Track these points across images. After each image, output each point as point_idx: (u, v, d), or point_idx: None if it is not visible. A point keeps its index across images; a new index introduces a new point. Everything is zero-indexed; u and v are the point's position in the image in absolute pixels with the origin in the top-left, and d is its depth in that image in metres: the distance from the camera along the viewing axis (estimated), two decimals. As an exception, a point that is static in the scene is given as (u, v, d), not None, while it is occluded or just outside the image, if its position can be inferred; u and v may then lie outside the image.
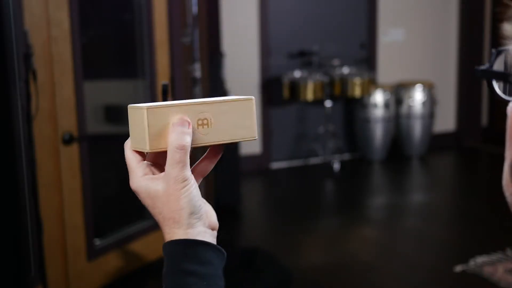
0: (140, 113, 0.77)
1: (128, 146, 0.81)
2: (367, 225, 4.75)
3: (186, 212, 0.76)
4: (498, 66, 0.66)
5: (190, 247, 0.76)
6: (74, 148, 3.27)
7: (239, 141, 0.83)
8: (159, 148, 0.77)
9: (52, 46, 3.10)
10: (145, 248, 3.78)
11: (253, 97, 0.84)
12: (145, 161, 0.80)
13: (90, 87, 3.43)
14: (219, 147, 0.83)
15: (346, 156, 6.51)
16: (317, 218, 4.89)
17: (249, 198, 5.24)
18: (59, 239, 3.25)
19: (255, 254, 3.69)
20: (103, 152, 3.80)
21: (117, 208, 3.91)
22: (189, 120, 0.78)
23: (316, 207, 5.19)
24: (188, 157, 0.76)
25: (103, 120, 3.77)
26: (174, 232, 0.77)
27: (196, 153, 0.81)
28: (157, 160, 0.81)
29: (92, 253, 3.44)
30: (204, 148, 0.82)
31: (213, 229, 0.80)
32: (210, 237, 0.79)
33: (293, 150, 6.40)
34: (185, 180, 0.76)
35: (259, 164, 6.16)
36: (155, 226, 3.85)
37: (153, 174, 0.80)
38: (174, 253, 0.76)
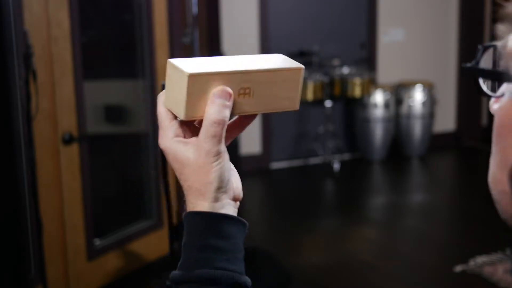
0: (181, 77, 0.71)
1: (162, 101, 0.77)
2: (367, 225, 4.75)
3: (214, 187, 0.74)
4: (486, 62, 0.66)
5: (214, 222, 0.74)
6: (74, 148, 3.27)
7: (280, 111, 0.77)
8: (195, 116, 0.73)
9: (52, 46, 3.10)
10: (145, 248, 3.78)
11: (302, 66, 0.77)
12: (177, 120, 0.77)
13: (90, 87, 3.43)
14: (254, 114, 0.78)
15: (346, 156, 6.51)
16: (317, 218, 4.89)
17: (249, 198, 5.24)
18: (59, 239, 3.25)
19: (254, 253, 3.70)
20: (103, 152, 3.80)
21: (117, 208, 3.91)
22: (231, 92, 0.72)
23: (316, 207, 5.19)
24: (225, 131, 0.73)
25: (103, 120, 3.77)
26: (198, 204, 0.75)
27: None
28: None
29: (92, 253, 3.44)
30: None
31: (237, 200, 0.79)
32: (233, 209, 0.78)
33: (293, 150, 6.40)
34: (217, 154, 0.73)
35: (259, 164, 6.17)
36: (155, 226, 3.85)
37: (185, 136, 0.76)
38: (197, 225, 0.75)
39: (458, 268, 3.74)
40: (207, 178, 0.74)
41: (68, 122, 3.22)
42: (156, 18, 3.71)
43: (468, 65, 0.66)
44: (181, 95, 0.71)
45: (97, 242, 3.50)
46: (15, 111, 2.66)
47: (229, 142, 0.80)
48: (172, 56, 3.78)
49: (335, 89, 6.10)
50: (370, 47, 6.54)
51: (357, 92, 6.02)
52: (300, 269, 3.82)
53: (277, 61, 0.77)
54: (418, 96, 6.35)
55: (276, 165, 6.31)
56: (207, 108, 0.72)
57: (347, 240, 4.42)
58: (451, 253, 4.11)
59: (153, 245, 3.80)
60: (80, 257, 3.38)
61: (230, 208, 0.77)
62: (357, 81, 6.00)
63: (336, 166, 6.06)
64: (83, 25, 3.33)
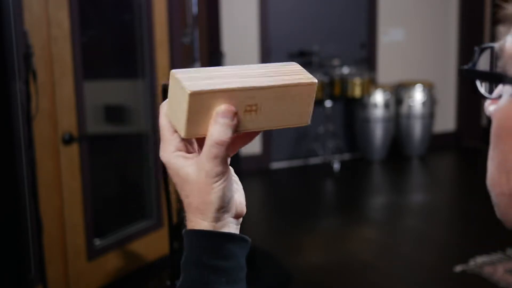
0: (182, 93, 0.67)
1: (164, 112, 0.73)
2: (367, 225, 4.75)
3: (214, 207, 0.72)
4: (483, 64, 0.66)
5: (215, 241, 0.72)
6: (74, 148, 3.27)
7: (288, 127, 0.72)
8: (196, 135, 0.69)
9: (52, 46, 3.10)
10: (145, 248, 3.78)
11: (315, 81, 0.71)
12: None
13: (90, 87, 3.43)
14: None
15: (346, 156, 6.51)
16: (317, 218, 4.89)
17: (249, 198, 5.22)
18: (59, 239, 3.25)
19: (254, 253, 3.70)
20: (103, 152, 3.80)
21: (117, 208, 3.91)
22: (235, 110, 0.68)
23: (316, 207, 5.19)
24: (227, 151, 0.70)
25: (103, 120, 3.77)
26: (198, 222, 0.72)
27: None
28: None
29: (92, 253, 3.44)
30: None
31: (239, 217, 0.76)
32: (235, 227, 0.75)
33: (293, 150, 6.40)
34: (219, 175, 0.70)
35: (259, 164, 6.17)
36: (155, 226, 3.85)
37: (187, 149, 0.73)
38: (197, 244, 0.72)
39: (458, 268, 3.74)
40: (207, 199, 0.71)
41: (68, 122, 3.22)
42: (156, 18, 3.71)
43: (465, 67, 0.66)
44: (182, 112, 0.68)
45: (97, 242, 3.50)
46: (15, 111, 2.66)
47: (231, 155, 0.76)
48: (172, 56, 3.78)
49: (335, 89, 6.10)
50: (370, 47, 6.54)
51: (357, 92, 6.02)
52: (300, 269, 3.82)
53: (290, 73, 0.71)
54: (418, 96, 6.35)
55: (276, 165, 6.31)
56: (210, 127, 0.69)
57: (347, 240, 4.41)
58: (451, 253, 4.11)
59: (153, 245, 3.80)
60: (80, 257, 3.38)
61: (232, 226, 0.74)
62: (357, 81, 6.00)
63: (336, 166, 6.06)
64: (83, 25, 3.33)
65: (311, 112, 0.72)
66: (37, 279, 2.85)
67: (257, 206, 5.35)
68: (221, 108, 0.68)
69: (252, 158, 6.09)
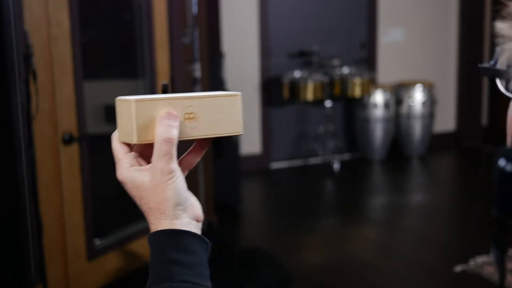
0: (128, 106, 0.78)
1: (116, 137, 0.82)
2: (367, 225, 4.75)
3: (171, 204, 0.77)
4: (501, 64, 0.66)
5: (174, 237, 0.77)
6: (74, 148, 3.27)
7: (225, 136, 0.84)
8: (146, 140, 0.78)
9: (52, 46, 3.10)
10: (145, 248, 3.78)
11: (239, 93, 0.84)
12: (132, 153, 0.81)
13: (90, 87, 3.43)
14: (206, 141, 0.83)
15: (346, 156, 6.51)
16: (317, 218, 4.89)
17: (249, 198, 5.24)
18: (59, 239, 3.25)
19: (254, 254, 3.70)
20: (103, 152, 3.79)
21: (117, 208, 3.91)
22: (176, 114, 0.78)
23: (316, 207, 5.19)
24: (175, 150, 0.77)
25: (103, 120, 3.77)
26: (159, 223, 0.78)
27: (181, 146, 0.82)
28: (144, 152, 0.81)
29: (92, 253, 3.44)
30: (191, 142, 0.83)
31: (198, 221, 0.81)
32: (195, 228, 0.80)
33: (293, 150, 6.40)
34: (171, 172, 0.76)
35: (259, 164, 6.16)
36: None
37: (140, 165, 0.80)
38: (158, 243, 0.77)
39: (458, 268, 3.74)
40: (163, 196, 0.77)
41: (68, 122, 3.22)
42: (156, 18, 3.71)
43: (486, 65, 0.66)
44: (130, 122, 0.78)
45: (97, 242, 3.50)
46: (15, 111, 2.66)
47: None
48: (172, 56, 3.78)
49: (335, 89, 6.10)
50: (370, 47, 6.54)
51: (357, 92, 6.02)
52: (300, 269, 3.82)
53: (218, 92, 0.85)
54: (418, 96, 6.36)
55: (276, 165, 6.31)
56: (156, 129, 0.77)
57: (347, 240, 4.41)
58: (451, 253, 4.11)
59: (153, 245, 3.80)
60: (80, 257, 3.38)
61: (191, 227, 0.79)
62: (357, 81, 6.00)
63: (336, 166, 6.06)
64: (83, 25, 3.33)
65: (241, 121, 0.84)
66: (37, 279, 2.84)
67: (257, 206, 5.35)
68: (163, 112, 0.78)
69: (252, 158, 6.09)
